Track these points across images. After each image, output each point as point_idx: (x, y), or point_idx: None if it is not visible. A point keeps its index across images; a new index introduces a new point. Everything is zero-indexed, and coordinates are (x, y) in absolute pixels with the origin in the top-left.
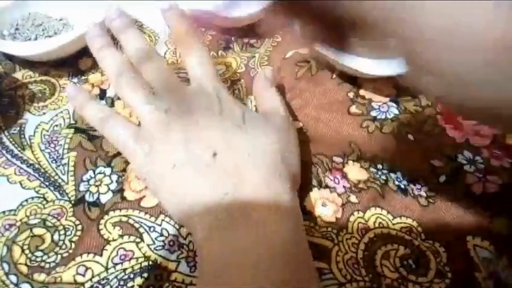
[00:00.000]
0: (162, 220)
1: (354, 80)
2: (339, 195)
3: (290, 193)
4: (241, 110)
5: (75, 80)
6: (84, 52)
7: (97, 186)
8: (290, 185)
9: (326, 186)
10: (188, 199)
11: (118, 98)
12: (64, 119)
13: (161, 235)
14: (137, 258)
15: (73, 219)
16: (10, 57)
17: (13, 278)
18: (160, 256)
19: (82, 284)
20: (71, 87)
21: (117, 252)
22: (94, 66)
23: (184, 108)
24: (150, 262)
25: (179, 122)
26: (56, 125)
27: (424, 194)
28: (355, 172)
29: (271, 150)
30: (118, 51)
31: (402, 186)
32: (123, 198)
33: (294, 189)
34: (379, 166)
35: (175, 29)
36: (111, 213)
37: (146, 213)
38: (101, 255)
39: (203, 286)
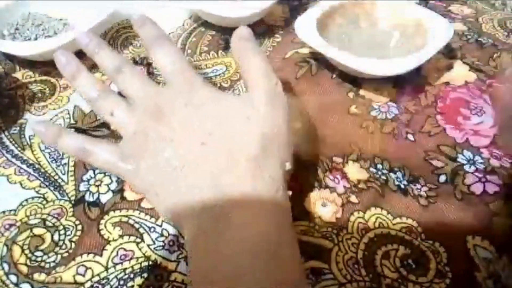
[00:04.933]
0: (162, 220)
1: (354, 80)
2: (339, 195)
3: (274, 188)
4: (218, 102)
5: None
6: (84, 52)
7: (97, 186)
8: (275, 179)
9: (326, 186)
10: (173, 203)
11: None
12: (64, 119)
13: (161, 235)
14: (137, 258)
15: (73, 219)
16: (10, 57)
17: (13, 278)
18: (160, 256)
19: (82, 284)
20: (37, 123)
21: (117, 252)
22: (95, 66)
23: (159, 114)
24: (150, 262)
25: (156, 131)
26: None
27: (424, 194)
28: (355, 172)
29: (250, 144)
30: (90, 75)
31: (402, 186)
32: (123, 198)
33: (282, 181)
34: (379, 166)
35: (146, 35)
36: (111, 213)
37: (146, 213)
38: (101, 255)
39: (194, 284)
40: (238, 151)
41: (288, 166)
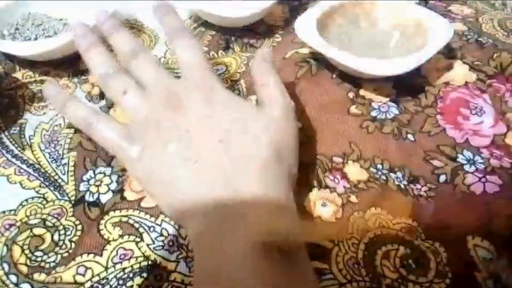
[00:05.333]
0: (162, 220)
1: (354, 80)
2: (339, 195)
3: (283, 192)
4: (235, 104)
5: (75, 80)
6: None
7: (97, 186)
8: (285, 183)
9: (326, 186)
10: (179, 198)
11: None
12: (64, 119)
13: (161, 235)
14: (136, 258)
15: (73, 219)
16: (10, 57)
17: (13, 278)
18: (159, 256)
19: (82, 284)
20: (49, 86)
21: (117, 251)
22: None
23: (175, 104)
24: (150, 262)
25: (170, 120)
26: (56, 125)
27: (424, 194)
28: (355, 172)
29: (265, 147)
30: (105, 50)
31: (402, 186)
32: (123, 198)
33: (290, 186)
34: (379, 166)
35: (168, 24)
36: (111, 213)
37: (146, 213)
38: (101, 255)
39: (197, 284)
40: (253, 154)
41: (295, 171)
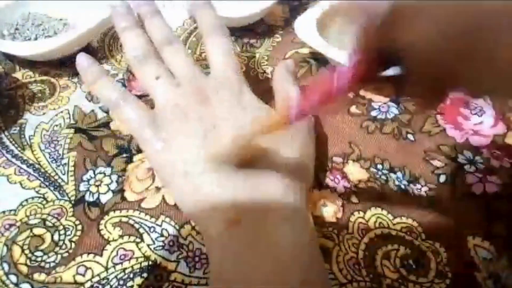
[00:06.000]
0: (163, 220)
1: None
2: (339, 195)
3: (301, 198)
4: (262, 108)
5: (75, 80)
6: (84, 52)
7: (97, 186)
8: (302, 190)
9: (326, 186)
10: (201, 195)
11: None
12: (64, 119)
13: (161, 235)
14: (137, 258)
15: (73, 219)
16: (10, 57)
17: (13, 278)
18: (160, 256)
19: (82, 284)
20: (81, 57)
21: (117, 252)
22: None
23: (204, 98)
24: (150, 262)
25: (198, 113)
26: (56, 125)
27: (424, 194)
28: (355, 172)
29: (287, 154)
30: (142, 33)
31: (402, 186)
32: (123, 199)
33: (306, 193)
34: (379, 166)
35: (203, 20)
36: (111, 214)
37: (146, 213)
38: (101, 255)
39: (213, 284)
40: (277, 160)
41: (311, 179)
